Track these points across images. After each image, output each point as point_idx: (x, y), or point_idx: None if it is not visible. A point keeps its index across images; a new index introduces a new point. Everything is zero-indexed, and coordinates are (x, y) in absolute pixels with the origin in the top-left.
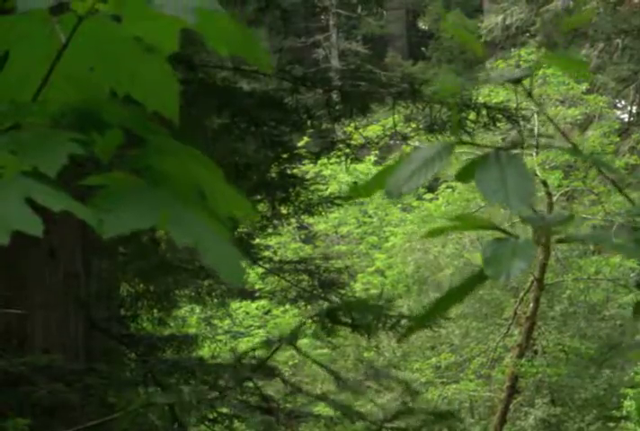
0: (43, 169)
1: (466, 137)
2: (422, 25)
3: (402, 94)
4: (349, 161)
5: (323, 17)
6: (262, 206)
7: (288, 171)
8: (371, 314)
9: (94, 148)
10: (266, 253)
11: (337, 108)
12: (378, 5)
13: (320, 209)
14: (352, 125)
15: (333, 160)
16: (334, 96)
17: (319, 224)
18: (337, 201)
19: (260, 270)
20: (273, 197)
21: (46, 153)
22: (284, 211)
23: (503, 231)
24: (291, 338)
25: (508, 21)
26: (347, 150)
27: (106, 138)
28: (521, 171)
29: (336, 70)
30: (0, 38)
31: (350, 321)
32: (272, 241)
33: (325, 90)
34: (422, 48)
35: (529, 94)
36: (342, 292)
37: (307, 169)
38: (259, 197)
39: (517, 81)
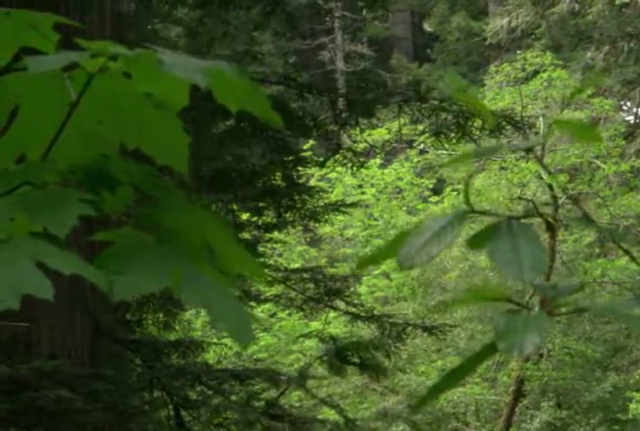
0: (53, 230)
1: (471, 144)
2: (428, 27)
3: (408, 102)
4: (355, 168)
5: (328, 19)
6: (267, 213)
7: (294, 178)
8: (379, 353)
9: (104, 206)
10: (272, 261)
11: (343, 115)
12: (383, 8)
13: (326, 216)
14: (357, 129)
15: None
16: (340, 103)
17: (325, 226)
18: (342, 208)
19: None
20: (279, 204)
21: (55, 214)
22: (290, 218)
23: (517, 303)
24: (300, 380)
25: (513, 24)
26: (352, 157)
27: (116, 195)
28: (534, 241)
29: (341, 72)
30: (10, 93)
31: (358, 360)
32: (277, 244)
33: (331, 97)
34: (428, 50)
35: (541, 164)
36: (348, 300)
37: (313, 172)
38: (265, 204)
39: (529, 150)
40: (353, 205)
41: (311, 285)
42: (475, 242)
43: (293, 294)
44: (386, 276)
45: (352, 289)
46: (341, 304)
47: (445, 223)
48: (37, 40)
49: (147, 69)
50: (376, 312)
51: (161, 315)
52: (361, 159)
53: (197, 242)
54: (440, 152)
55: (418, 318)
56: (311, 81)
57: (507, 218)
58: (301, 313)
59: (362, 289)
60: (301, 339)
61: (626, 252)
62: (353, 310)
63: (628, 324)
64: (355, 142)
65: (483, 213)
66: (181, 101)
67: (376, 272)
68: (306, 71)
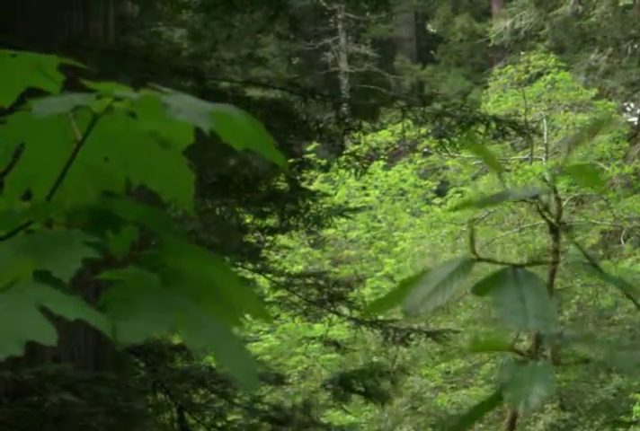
0: (57, 274)
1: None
2: (431, 28)
3: (411, 106)
4: (358, 173)
5: (331, 20)
6: (271, 218)
7: (298, 181)
8: (385, 381)
9: (109, 246)
10: (275, 266)
11: (346, 120)
12: (387, 10)
13: (329, 221)
14: (360, 133)
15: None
16: (344, 109)
17: (328, 228)
18: (346, 213)
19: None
20: (283, 209)
21: (60, 258)
22: (293, 223)
23: (520, 353)
24: (305, 409)
25: (517, 26)
26: (356, 162)
27: (121, 235)
28: (540, 290)
29: (345, 73)
30: (16, 131)
31: (363, 389)
32: (281, 249)
33: (335, 102)
34: (431, 52)
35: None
36: (352, 305)
37: (316, 174)
38: (268, 208)
39: (535, 197)
40: (357, 210)
41: (314, 291)
42: (481, 289)
43: (296, 299)
44: (390, 277)
45: (356, 294)
46: (344, 309)
47: (450, 272)
48: (42, 81)
49: (152, 110)
50: (380, 318)
51: None
52: (365, 164)
53: (201, 282)
54: (443, 154)
55: (421, 320)
56: (315, 86)
57: (512, 266)
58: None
59: (366, 291)
60: (304, 341)
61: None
62: (357, 315)
63: (630, 375)
64: (358, 143)
65: (489, 261)
66: (186, 140)
67: (379, 274)
68: (310, 72)
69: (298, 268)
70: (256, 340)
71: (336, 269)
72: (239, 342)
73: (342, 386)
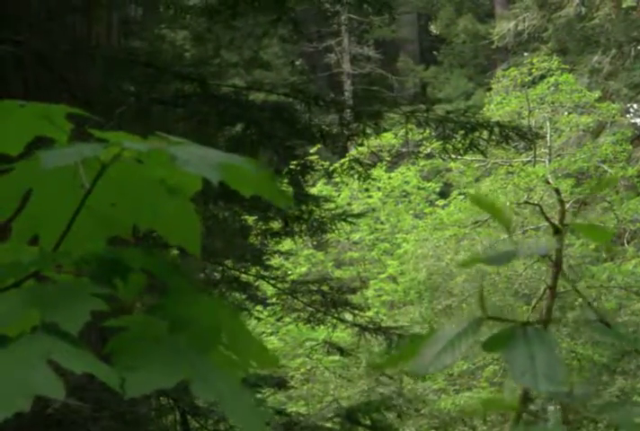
0: (65, 327)
1: (478, 155)
2: (434, 30)
3: (415, 113)
4: (362, 178)
5: (334, 22)
6: (274, 224)
7: (302, 185)
8: (392, 414)
9: (117, 293)
10: (278, 272)
11: (350, 126)
12: (390, 14)
13: (333, 226)
14: (364, 139)
15: (345, 164)
16: (348, 114)
17: (331, 233)
18: (350, 218)
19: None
20: (286, 214)
21: (68, 310)
22: (297, 229)
23: (533, 414)
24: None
25: (520, 27)
26: (359, 168)
27: (129, 283)
28: (550, 349)
29: (348, 74)
30: (24, 177)
31: (369, 422)
32: (284, 247)
33: (338, 109)
34: (434, 53)
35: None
36: (355, 312)
37: (319, 175)
38: (272, 214)
39: (545, 255)
40: (360, 215)
41: (318, 297)
42: (491, 346)
43: (300, 305)
44: (393, 279)
45: (360, 300)
46: (348, 315)
47: (459, 331)
48: (50, 130)
49: (160, 159)
50: (383, 324)
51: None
52: (368, 170)
53: (208, 330)
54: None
55: (425, 322)
56: (318, 92)
57: (522, 324)
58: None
59: (369, 293)
60: (308, 343)
61: None
62: (361, 321)
63: None
64: (361, 144)
65: (498, 319)
66: (194, 186)
67: (382, 276)
68: (313, 73)
69: (302, 269)
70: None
71: (339, 271)
72: (248, 396)
73: (349, 420)
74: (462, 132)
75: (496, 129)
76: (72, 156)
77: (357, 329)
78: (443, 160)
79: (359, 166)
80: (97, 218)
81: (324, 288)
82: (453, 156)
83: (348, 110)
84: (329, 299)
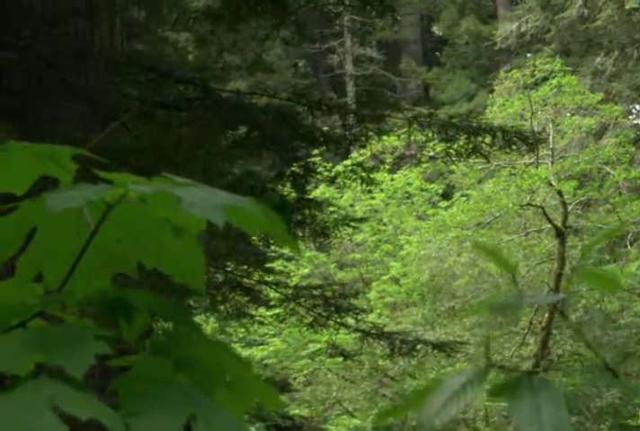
0: (69, 371)
1: (481, 159)
2: (437, 31)
3: (417, 118)
4: (364, 183)
5: (337, 23)
6: None
7: (304, 188)
8: None
9: (122, 333)
10: (280, 275)
11: (353, 131)
12: (393, 17)
13: (336, 231)
14: (367, 143)
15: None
16: (350, 119)
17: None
18: (352, 223)
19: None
20: (289, 220)
21: (72, 354)
22: (300, 234)
23: None
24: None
25: (523, 29)
26: (363, 173)
27: (134, 323)
28: (556, 400)
29: (350, 75)
30: (28, 216)
31: None
32: (287, 249)
33: (341, 113)
34: (437, 54)
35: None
36: (358, 317)
37: (321, 177)
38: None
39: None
40: (363, 219)
41: (321, 302)
42: (496, 393)
43: (303, 310)
44: (396, 281)
45: (362, 302)
46: (351, 320)
47: (464, 382)
48: (55, 170)
49: (165, 200)
50: (386, 327)
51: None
52: (371, 174)
53: (213, 370)
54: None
55: (427, 323)
56: (321, 97)
57: (527, 374)
58: (310, 319)
59: (372, 295)
60: (311, 345)
61: None
62: (363, 326)
63: None
64: (364, 146)
65: (503, 368)
66: (198, 226)
67: (385, 278)
68: (316, 75)
69: (304, 271)
70: (262, 343)
71: (342, 272)
72: None
73: None
74: (465, 137)
75: (499, 134)
76: (77, 200)
77: (360, 334)
78: (446, 164)
79: (361, 171)
80: (102, 255)
81: (327, 293)
82: (456, 160)
83: (351, 115)
84: (331, 304)
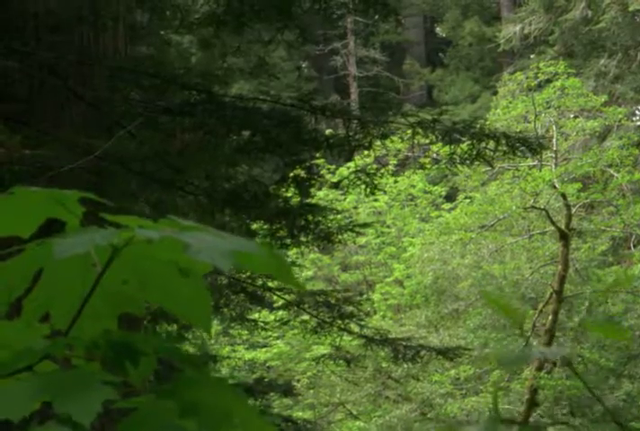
0: (77, 418)
1: (485, 166)
2: (440, 32)
3: (421, 123)
4: (368, 189)
5: (340, 24)
6: (281, 234)
7: (308, 192)
8: None
9: (128, 376)
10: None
11: (357, 136)
12: (397, 20)
13: (339, 237)
14: (372, 150)
15: (351, 168)
16: (354, 125)
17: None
18: (356, 229)
19: (280, 313)
20: (293, 225)
21: (80, 401)
22: (303, 239)
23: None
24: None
25: (526, 31)
26: (366, 179)
27: (140, 366)
28: None
29: (354, 77)
30: (35, 257)
31: None
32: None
33: (345, 119)
34: (440, 55)
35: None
36: (362, 323)
37: (325, 181)
38: (278, 224)
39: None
40: (366, 225)
41: (325, 309)
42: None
43: (307, 316)
44: (399, 283)
45: (366, 304)
46: (354, 326)
47: None
48: (62, 213)
49: (172, 243)
50: (389, 328)
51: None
52: (374, 180)
53: (219, 414)
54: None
55: (431, 325)
56: (325, 104)
57: (535, 428)
58: (314, 322)
59: (375, 297)
60: (314, 347)
61: None
62: (367, 332)
63: None
64: (367, 148)
65: (512, 422)
66: (205, 267)
67: (388, 280)
68: (319, 76)
69: (308, 273)
70: (265, 346)
71: (345, 274)
72: None
73: None
74: (469, 142)
75: (503, 140)
76: (84, 245)
77: (363, 340)
78: (449, 170)
79: (365, 177)
80: (108, 295)
81: (331, 299)
82: (459, 166)
83: (354, 121)
84: (335, 310)
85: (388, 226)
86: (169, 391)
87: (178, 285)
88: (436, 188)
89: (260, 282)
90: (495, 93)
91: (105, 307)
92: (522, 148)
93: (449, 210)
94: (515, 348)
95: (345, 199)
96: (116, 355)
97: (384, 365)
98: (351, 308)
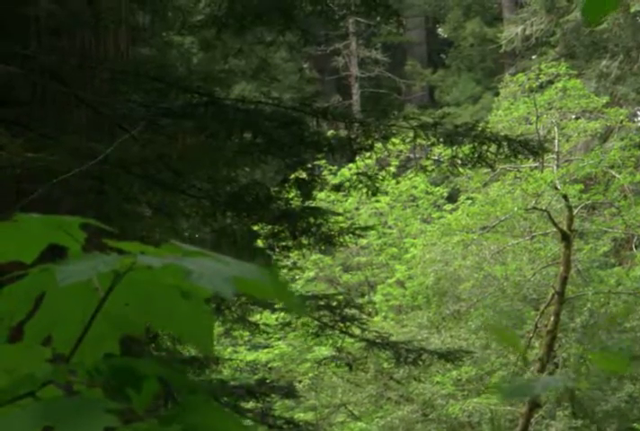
0: None
1: (486, 169)
2: (442, 33)
3: (423, 127)
4: (370, 192)
5: (342, 25)
6: (283, 236)
7: (310, 195)
8: None
9: (130, 403)
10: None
11: (358, 140)
12: (399, 22)
13: (341, 240)
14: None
15: (353, 170)
16: (356, 129)
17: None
18: (357, 232)
19: (282, 314)
20: (294, 228)
21: (81, 427)
22: (305, 242)
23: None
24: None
25: (528, 32)
26: (368, 182)
27: (142, 391)
28: None
29: (356, 77)
30: (37, 282)
31: None
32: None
33: (347, 123)
34: (442, 56)
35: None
36: (364, 326)
37: (327, 184)
38: (280, 227)
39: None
40: (368, 228)
41: (327, 312)
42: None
43: (309, 321)
44: (401, 284)
45: (367, 305)
46: (356, 329)
47: None
48: (64, 239)
49: (174, 269)
50: (391, 330)
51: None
52: (376, 183)
53: None
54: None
55: (433, 326)
56: (327, 107)
57: None
58: (315, 323)
59: (377, 298)
60: (316, 348)
61: None
62: (369, 336)
63: None
64: (369, 150)
65: None
66: (205, 292)
67: (390, 281)
68: (321, 77)
69: (309, 274)
70: (267, 347)
71: (347, 275)
72: None
73: None
74: (470, 146)
75: (504, 143)
76: (86, 272)
77: (365, 343)
78: (452, 173)
79: (367, 180)
80: (110, 318)
81: (333, 303)
82: (461, 169)
83: (356, 125)
84: (337, 313)
85: (390, 227)
86: (171, 416)
87: (180, 307)
88: (438, 188)
89: None
90: (497, 94)
91: (107, 330)
92: (524, 152)
93: (451, 211)
94: (518, 381)
95: (347, 200)
96: (118, 381)
97: (385, 366)
98: (352, 311)
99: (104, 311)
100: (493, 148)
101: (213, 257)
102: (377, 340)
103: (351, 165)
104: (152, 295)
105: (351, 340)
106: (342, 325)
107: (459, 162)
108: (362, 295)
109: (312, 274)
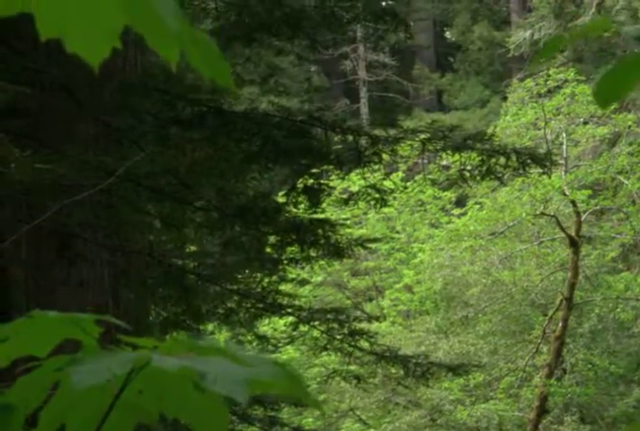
0: None
1: (495, 182)
2: (450, 36)
3: (431, 139)
4: (378, 205)
5: (349, 29)
6: (291, 249)
7: (319, 202)
8: None
9: None
10: (296, 302)
11: (366, 153)
12: (405, 27)
13: (349, 252)
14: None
15: (360, 174)
16: (364, 141)
17: (348, 258)
18: (366, 243)
19: (290, 319)
20: (303, 240)
21: None
22: (313, 254)
23: None
24: None
25: (536, 36)
26: (376, 195)
27: None
28: None
29: (364, 81)
30: (51, 371)
31: None
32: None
33: (355, 136)
34: (450, 59)
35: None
36: (372, 340)
37: (335, 184)
38: (288, 239)
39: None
40: (377, 240)
41: (335, 325)
42: None
43: (318, 335)
44: (409, 289)
45: (375, 310)
46: (364, 343)
47: None
48: (79, 334)
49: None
50: (400, 353)
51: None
52: (385, 196)
53: None
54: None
55: (441, 332)
56: (335, 119)
57: None
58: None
59: (385, 303)
60: (324, 353)
61: None
62: (378, 349)
63: None
64: (377, 163)
65: None
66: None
67: (398, 285)
68: (329, 81)
69: (317, 279)
70: (275, 352)
71: (355, 280)
72: None
73: None
74: (479, 159)
75: (513, 156)
76: (102, 374)
77: (374, 357)
78: (460, 187)
79: (375, 192)
80: (124, 406)
81: (341, 317)
82: (470, 182)
83: (364, 137)
84: (346, 327)
85: (398, 232)
86: None
87: (194, 398)
88: (446, 193)
89: (270, 299)
90: (505, 98)
91: (120, 418)
92: (533, 164)
93: (459, 216)
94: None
95: (355, 204)
96: None
97: (393, 371)
98: (361, 325)
99: (118, 399)
100: (502, 161)
101: (228, 353)
102: (386, 354)
103: (358, 170)
104: (165, 385)
105: (360, 354)
106: (350, 339)
107: (468, 174)
108: (370, 300)
109: (320, 278)
